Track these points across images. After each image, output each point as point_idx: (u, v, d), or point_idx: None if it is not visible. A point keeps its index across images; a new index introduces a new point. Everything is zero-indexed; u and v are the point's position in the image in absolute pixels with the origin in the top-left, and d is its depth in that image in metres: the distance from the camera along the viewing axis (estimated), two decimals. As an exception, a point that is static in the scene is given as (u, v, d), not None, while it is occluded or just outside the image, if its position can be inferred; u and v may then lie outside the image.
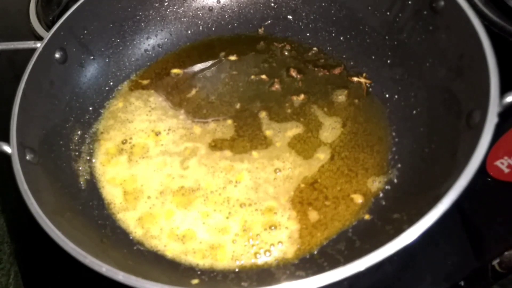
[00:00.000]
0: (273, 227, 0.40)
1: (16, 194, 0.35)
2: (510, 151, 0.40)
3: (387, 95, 0.47)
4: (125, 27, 0.54)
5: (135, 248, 0.40)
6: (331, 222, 0.40)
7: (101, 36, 0.52)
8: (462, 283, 0.38)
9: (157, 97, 0.53)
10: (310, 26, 0.55)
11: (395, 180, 0.41)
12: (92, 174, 0.46)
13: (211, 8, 0.58)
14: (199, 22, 0.58)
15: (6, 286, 0.42)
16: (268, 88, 0.52)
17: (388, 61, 0.48)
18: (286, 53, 0.54)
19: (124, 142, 0.48)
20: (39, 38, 0.62)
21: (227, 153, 0.46)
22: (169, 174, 0.45)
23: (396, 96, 0.46)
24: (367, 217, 0.40)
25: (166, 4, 0.56)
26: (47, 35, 0.46)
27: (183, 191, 0.44)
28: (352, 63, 0.51)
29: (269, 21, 0.57)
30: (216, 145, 0.47)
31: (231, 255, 0.39)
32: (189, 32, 0.58)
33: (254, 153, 0.46)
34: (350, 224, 0.40)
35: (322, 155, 0.45)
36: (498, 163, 0.41)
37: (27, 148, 0.39)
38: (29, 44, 0.46)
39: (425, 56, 0.43)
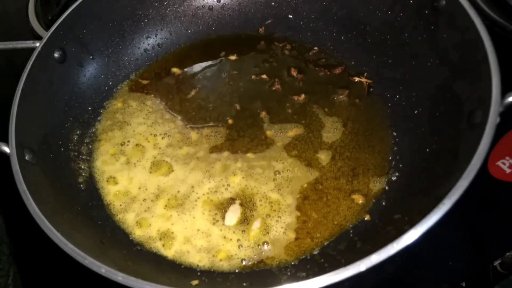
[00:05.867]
0: (273, 228, 0.40)
1: (15, 194, 0.35)
2: (512, 151, 0.40)
3: (388, 95, 0.47)
4: (124, 26, 0.54)
5: (134, 249, 0.40)
6: (332, 223, 0.40)
7: (101, 35, 0.52)
8: (463, 284, 0.38)
9: (156, 99, 0.52)
10: (311, 25, 0.55)
11: (396, 181, 0.41)
12: (91, 174, 0.46)
13: (211, 7, 0.58)
14: (199, 21, 0.58)
15: (5, 287, 0.42)
16: (269, 88, 0.52)
17: (390, 61, 0.48)
18: (286, 53, 0.54)
19: (122, 144, 0.48)
20: (38, 37, 0.62)
21: (226, 154, 0.46)
22: (165, 178, 0.45)
23: (397, 96, 0.46)
24: (368, 217, 0.40)
25: (166, 3, 0.56)
26: (46, 35, 0.45)
27: (180, 194, 0.43)
28: (353, 62, 0.51)
29: (270, 21, 0.56)
30: (216, 147, 0.47)
31: (231, 256, 0.39)
32: (189, 31, 0.57)
33: (254, 155, 0.45)
34: (351, 225, 0.40)
35: (323, 156, 0.44)
36: (499, 163, 0.41)
37: (26, 148, 0.39)
38: (28, 43, 0.46)
39: (426, 56, 0.43)
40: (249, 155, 0.45)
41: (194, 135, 0.48)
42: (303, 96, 0.50)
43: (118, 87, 0.54)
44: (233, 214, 0.41)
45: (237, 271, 0.38)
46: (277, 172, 0.43)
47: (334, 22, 0.53)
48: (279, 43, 0.55)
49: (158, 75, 0.55)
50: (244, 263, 0.38)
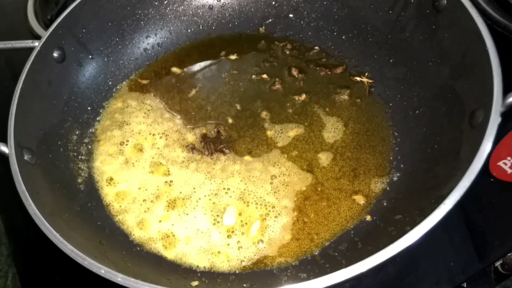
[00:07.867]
0: (273, 229, 0.40)
1: (13, 195, 0.34)
2: (514, 151, 0.39)
3: (389, 95, 0.47)
4: (124, 26, 0.54)
5: (134, 250, 0.40)
6: (333, 224, 0.40)
7: (100, 35, 0.52)
8: (464, 285, 0.38)
9: (156, 99, 0.52)
10: (312, 25, 0.54)
11: (397, 181, 0.41)
12: (90, 174, 0.46)
13: (211, 6, 0.57)
14: (199, 20, 0.57)
15: (4, 288, 0.42)
16: (269, 88, 0.51)
17: (391, 60, 0.48)
18: (287, 52, 0.54)
19: (121, 143, 0.48)
20: (37, 37, 0.62)
21: (226, 156, 0.46)
22: (165, 178, 0.45)
23: (398, 96, 0.46)
24: (369, 218, 0.39)
25: (165, 2, 0.56)
26: (45, 34, 0.45)
27: (180, 195, 0.43)
28: (354, 62, 0.51)
29: (270, 20, 0.56)
30: (215, 148, 0.47)
31: (231, 257, 0.39)
32: (189, 31, 0.57)
33: (253, 158, 0.45)
34: (352, 225, 0.39)
35: (324, 156, 0.44)
36: (501, 163, 0.41)
37: (25, 148, 0.39)
38: (27, 43, 0.46)
39: (427, 55, 0.43)
40: (248, 158, 0.45)
41: (194, 135, 0.48)
42: (303, 96, 0.50)
43: (118, 87, 0.53)
44: (231, 214, 0.41)
45: (237, 272, 0.38)
46: (273, 177, 0.43)
47: (335, 21, 0.53)
48: (280, 42, 0.55)
49: (158, 74, 0.55)
50: (244, 264, 0.38)
